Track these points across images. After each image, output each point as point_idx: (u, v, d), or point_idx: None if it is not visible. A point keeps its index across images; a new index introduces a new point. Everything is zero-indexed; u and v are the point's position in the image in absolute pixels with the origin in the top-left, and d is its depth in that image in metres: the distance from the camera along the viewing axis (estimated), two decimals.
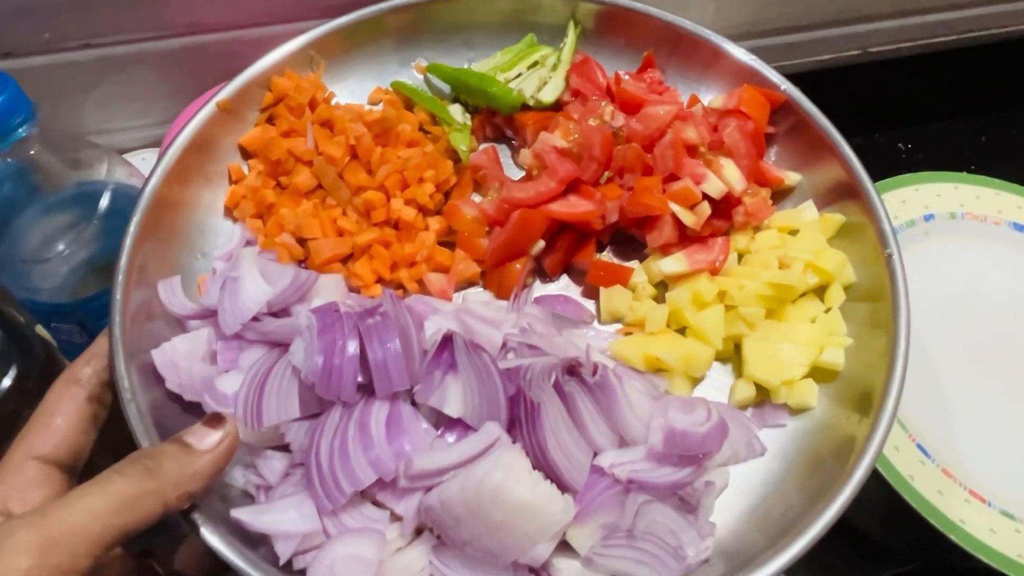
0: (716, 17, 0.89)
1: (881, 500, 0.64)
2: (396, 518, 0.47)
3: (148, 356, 0.52)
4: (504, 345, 0.52)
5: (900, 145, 0.99)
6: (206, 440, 0.43)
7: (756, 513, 0.51)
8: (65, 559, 0.35)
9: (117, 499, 0.38)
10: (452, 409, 0.48)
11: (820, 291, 0.59)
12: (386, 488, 0.46)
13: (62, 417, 0.46)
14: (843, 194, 0.62)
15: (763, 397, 0.56)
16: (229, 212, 0.63)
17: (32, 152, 0.56)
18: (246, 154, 0.65)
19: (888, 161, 0.93)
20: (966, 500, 0.64)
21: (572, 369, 0.49)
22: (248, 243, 0.62)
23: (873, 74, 1.01)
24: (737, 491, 0.52)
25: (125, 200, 0.60)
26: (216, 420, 0.44)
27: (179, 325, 0.56)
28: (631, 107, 0.65)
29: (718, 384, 0.57)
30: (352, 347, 0.48)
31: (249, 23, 0.75)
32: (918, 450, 0.66)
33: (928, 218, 0.79)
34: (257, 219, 0.62)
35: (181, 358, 0.52)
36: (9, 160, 0.56)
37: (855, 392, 0.54)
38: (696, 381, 0.57)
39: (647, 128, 0.61)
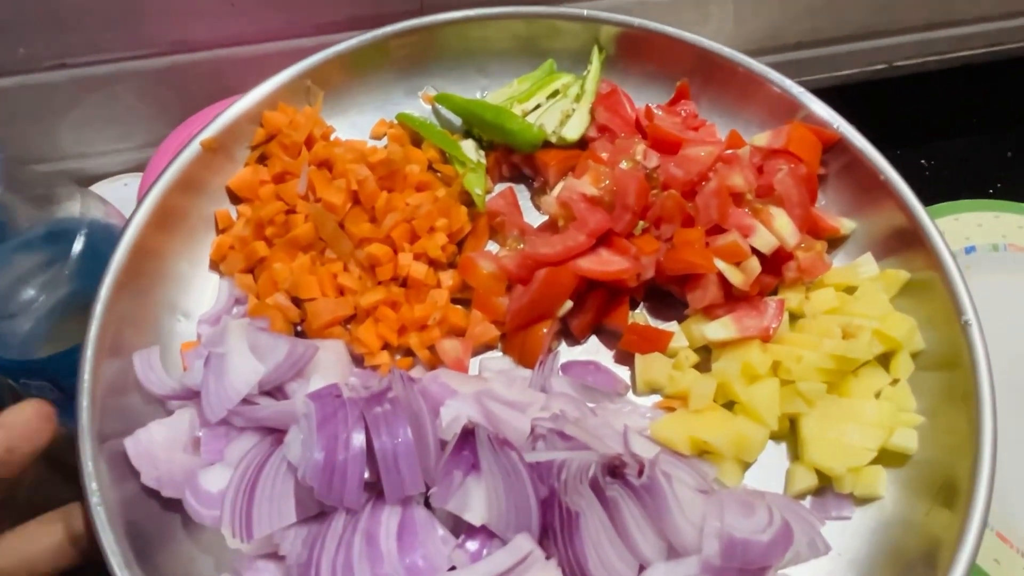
0: (736, 32, 0.83)
1: None
2: None
3: (120, 443, 0.45)
4: (532, 431, 0.45)
5: (923, 161, 0.94)
6: None
7: None
8: None
9: None
10: (475, 516, 0.41)
11: (883, 358, 0.53)
12: None
13: None
14: (904, 242, 0.56)
15: (824, 483, 0.49)
16: (216, 266, 0.56)
17: None
18: (235, 198, 0.59)
19: (911, 178, 0.89)
20: None
21: (614, 470, 0.42)
22: (237, 301, 0.55)
23: (895, 88, 0.96)
24: None
25: (101, 240, 0.53)
26: None
27: (158, 401, 0.49)
28: (665, 145, 0.58)
29: (770, 465, 0.51)
30: (358, 441, 0.41)
31: (238, 41, 0.69)
32: None
33: (969, 250, 0.73)
34: (247, 274, 0.55)
35: (159, 448, 0.45)
36: None
37: (932, 479, 0.48)
38: (748, 465, 0.50)
39: (687, 173, 0.54)
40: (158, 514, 0.46)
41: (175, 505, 0.45)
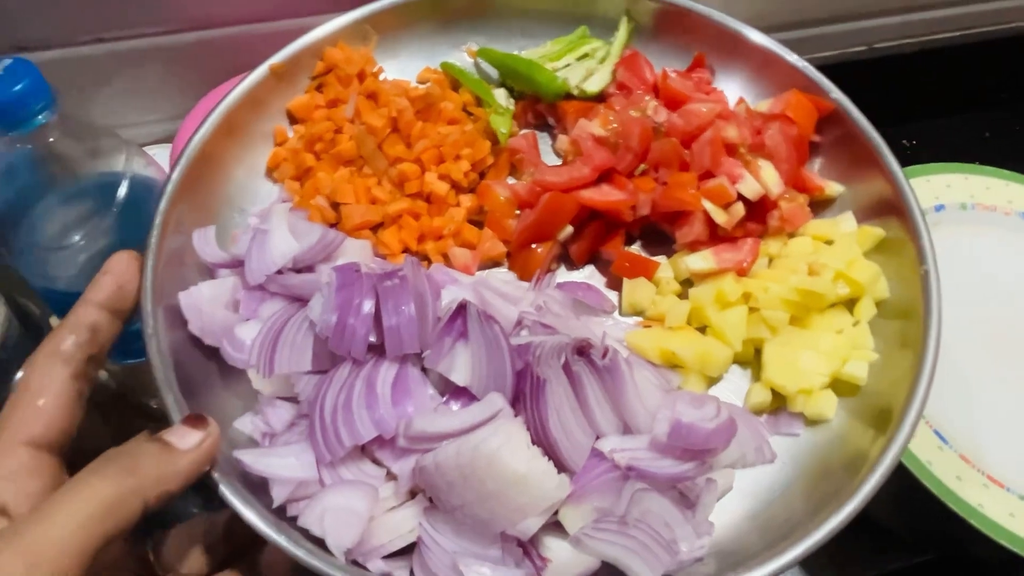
0: (724, 11, 0.88)
1: (898, 487, 0.62)
2: (392, 477, 0.47)
3: (174, 299, 0.54)
4: (519, 322, 0.52)
5: (904, 141, 0.97)
6: (187, 439, 0.42)
7: (758, 519, 0.50)
8: None
9: (97, 504, 0.35)
10: (459, 377, 0.48)
11: (850, 304, 0.58)
12: (385, 447, 0.47)
13: (47, 397, 0.42)
14: (886, 210, 0.61)
15: (780, 404, 0.55)
16: (270, 174, 0.65)
17: (51, 140, 0.54)
18: (293, 119, 0.67)
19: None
20: (984, 485, 0.62)
21: (582, 350, 0.49)
22: (285, 203, 0.63)
23: (876, 69, 0.99)
24: (741, 495, 0.51)
25: (142, 191, 0.59)
26: (198, 420, 0.43)
27: (208, 274, 0.58)
28: (675, 104, 0.64)
29: (734, 387, 0.56)
30: (368, 306, 0.49)
31: (260, 18, 0.75)
32: (936, 436, 0.64)
33: (939, 208, 0.79)
34: (295, 181, 0.64)
35: (205, 302, 0.53)
36: (28, 147, 0.54)
37: (875, 409, 0.53)
38: (711, 381, 0.56)
39: (688, 124, 0.61)
40: (200, 361, 0.54)
41: (214, 355, 0.53)
